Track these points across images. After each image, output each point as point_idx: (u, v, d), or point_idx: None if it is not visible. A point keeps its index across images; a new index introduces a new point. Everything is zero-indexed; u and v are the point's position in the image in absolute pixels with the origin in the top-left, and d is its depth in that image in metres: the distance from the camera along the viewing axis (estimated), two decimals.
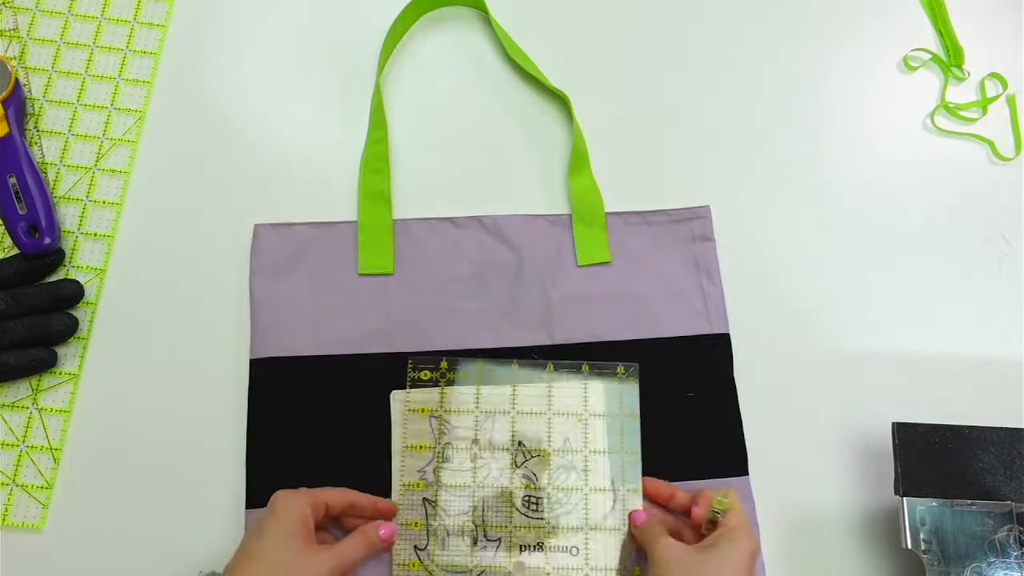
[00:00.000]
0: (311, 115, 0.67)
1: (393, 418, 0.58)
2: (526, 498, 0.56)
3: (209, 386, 0.59)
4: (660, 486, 0.56)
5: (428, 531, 0.55)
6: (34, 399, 0.58)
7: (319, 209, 0.63)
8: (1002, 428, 0.55)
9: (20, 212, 0.59)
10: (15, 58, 0.66)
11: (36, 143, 0.64)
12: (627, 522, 0.56)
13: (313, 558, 0.49)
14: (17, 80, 0.63)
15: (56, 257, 0.60)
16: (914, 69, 0.72)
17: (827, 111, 0.70)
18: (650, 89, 0.69)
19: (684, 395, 0.59)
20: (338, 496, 0.53)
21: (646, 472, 0.57)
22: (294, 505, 0.50)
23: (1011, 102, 0.71)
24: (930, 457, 0.54)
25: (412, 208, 0.64)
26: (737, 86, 0.70)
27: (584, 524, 0.56)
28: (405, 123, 0.67)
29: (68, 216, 0.63)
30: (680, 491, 0.56)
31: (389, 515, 0.56)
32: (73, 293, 0.59)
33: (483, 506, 0.56)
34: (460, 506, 0.56)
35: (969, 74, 0.72)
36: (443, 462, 0.57)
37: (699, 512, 0.53)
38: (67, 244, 0.62)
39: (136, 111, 0.66)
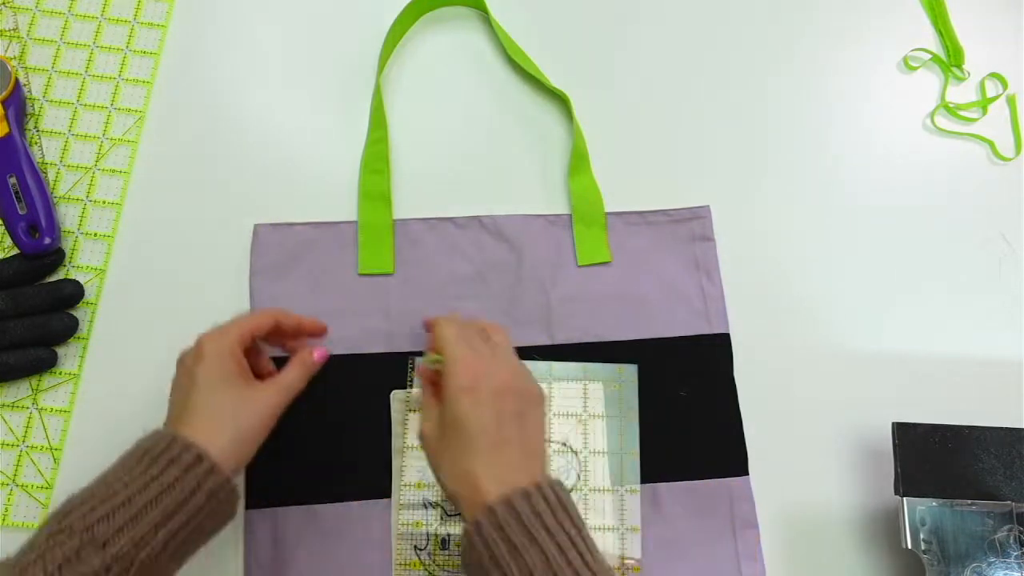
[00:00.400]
0: (311, 115, 0.67)
1: (393, 418, 0.58)
2: None
3: None
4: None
5: (428, 531, 0.55)
6: (34, 399, 0.58)
7: (319, 209, 0.63)
8: (1002, 428, 0.55)
9: (20, 212, 0.59)
10: (15, 58, 0.66)
11: (36, 143, 0.64)
12: (624, 520, 0.56)
13: (255, 395, 0.48)
14: (17, 80, 0.63)
15: (56, 257, 0.60)
16: (914, 69, 0.72)
17: (827, 111, 0.70)
18: (650, 89, 0.69)
19: (682, 395, 0.59)
20: (261, 320, 0.51)
21: (646, 473, 0.57)
22: (223, 346, 0.48)
23: (1011, 102, 0.71)
24: (930, 457, 0.54)
25: (412, 208, 0.64)
26: (737, 86, 0.70)
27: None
28: (405, 123, 0.67)
29: (68, 216, 0.63)
30: None
31: (318, 332, 0.54)
32: (73, 293, 0.59)
33: None
34: None
35: (969, 74, 0.71)
36: None
37: (426, 378, 0.50)
38: (67, 244, 0.62)
39: (136, 111, 0.66)
